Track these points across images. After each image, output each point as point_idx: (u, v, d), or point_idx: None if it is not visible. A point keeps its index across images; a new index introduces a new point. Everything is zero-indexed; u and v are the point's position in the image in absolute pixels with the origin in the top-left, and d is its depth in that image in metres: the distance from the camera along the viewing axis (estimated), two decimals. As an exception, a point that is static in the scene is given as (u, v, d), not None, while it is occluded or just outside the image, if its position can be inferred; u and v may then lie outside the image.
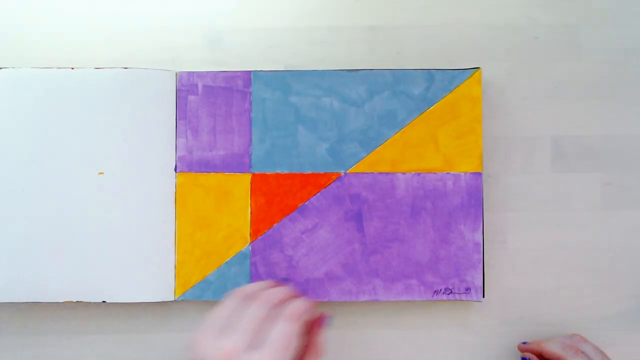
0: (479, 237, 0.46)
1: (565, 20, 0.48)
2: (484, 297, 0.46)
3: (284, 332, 0.37)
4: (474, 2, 0.48)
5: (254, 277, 0.46)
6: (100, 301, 0.45)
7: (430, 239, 0.46)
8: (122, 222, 0.45)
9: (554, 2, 0.48)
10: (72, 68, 0.45)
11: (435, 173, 0.46)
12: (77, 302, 0.45)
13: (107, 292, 0.45)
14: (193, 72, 0.46)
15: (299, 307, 0.38)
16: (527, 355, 0.46)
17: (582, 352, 0.43)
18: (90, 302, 0.46)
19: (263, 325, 0.37)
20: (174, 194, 0.46)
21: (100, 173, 0.45)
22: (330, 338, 0.47)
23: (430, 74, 0.46)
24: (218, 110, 0.46)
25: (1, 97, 0.45)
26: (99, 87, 0.45)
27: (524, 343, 0.46)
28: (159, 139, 0.46)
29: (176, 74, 0.47)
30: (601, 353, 0.43)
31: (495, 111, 0.48)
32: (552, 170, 0.48)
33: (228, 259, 0.46)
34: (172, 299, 0.46)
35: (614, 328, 0.47)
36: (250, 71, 0.46)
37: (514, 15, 0.48)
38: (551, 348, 0.44)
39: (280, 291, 0.39)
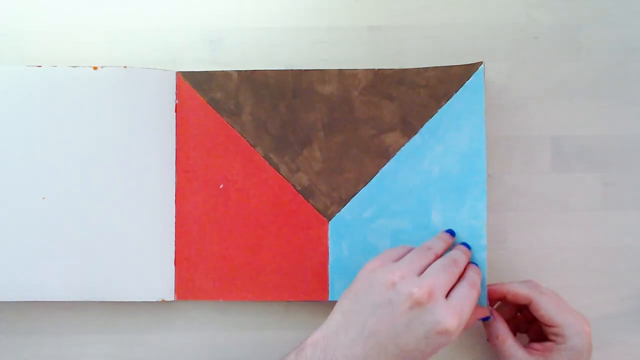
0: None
1: (565, 20, 0.48)
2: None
3: (472, 296, 0.38)
4: (474, 2, 0.48)
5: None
6: (100, 301, 0.45)
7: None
8: (122, 221, 0.45)
9: (554, 2, 0.48)
10: (72, 67, 0.45)
11: None
12: (77, 302, 0.45)
13: (107, 291, 0.45)
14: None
15: (477, 279, 0.40)
16: (488, 313, 0.43)
17: (545, 294, 0.42)
18: (90, 302, 0.46)
19: (453, 282, 0.38)
20: (174, 194, 0.46)
21: (99, 172, 0.45)
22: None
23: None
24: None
25: (0, 97, 0.45)
26: (98, 86, 0.45)
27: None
28: (158, 139, 0.46)
29: (176, 74, 0.47)
30: (558, 296, 0.43)
31: (495, 111, 0.48)
32: (552, 170, 0.48)
33: (228, 259, 0.46)
34: (172, 299, 0.46)
35: (614, 328, 0.47)
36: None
37: (514, 15, 0.48)
38: (517, 288, 0.42)
39: (464, 257, 0.41)
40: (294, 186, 0.47)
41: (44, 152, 0.45)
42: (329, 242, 0.46)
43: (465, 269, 0.41)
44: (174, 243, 0.46)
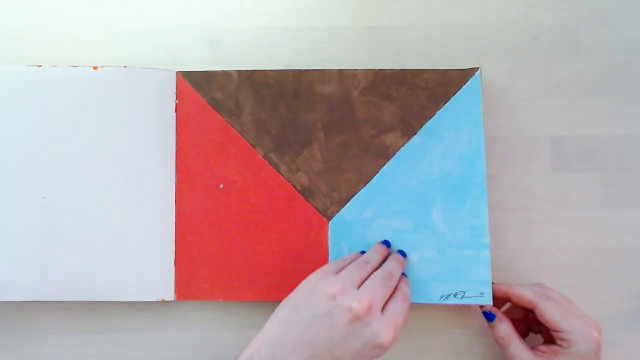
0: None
1: (565, 20, 0.48)
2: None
3: (404, 309, 0.40)
4: (474, 2, 0.48)
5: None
6: (100, 301, 0.45)
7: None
8: (122, 221, 0.45)
9: (554, 2, 0.48)
10: (72, 67, 0.45)
11: None
12: (77, 302, 0.45)
13: (107, 291, 0.45)
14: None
15: (408, 291, 0.42)
16: (488, 309, 0.44)
17: (551, 299, 0.42)
18: (90, 302, 0.46)
19: (388, 296, 0.40)
20: (174, 194, 0.46)
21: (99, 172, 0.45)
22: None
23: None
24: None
25: (0, 96, 0.45)
26: (98, 86, 0.45)
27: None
28: (158, 139, 0.46)
29: (176, 74, 0.47)
30: (567, 300, 0.43)
31: (495, 111, 0.48)
32: (552, 170, 0.48)
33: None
34: (172, 299, 0.46)
35: (614, 328, 0.47)
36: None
37: (514, 15, 0.48)
38: (522, 292, 0.43)
39: (399, 269, 0.42)
40: (294, 186, 0.47)
41: (44, 152, 0.45)
42: (329, 242, 0.46)
43: (398, 281, 0.42)
44: (174, 243, 0.46)
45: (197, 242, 0.46)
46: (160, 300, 0.45)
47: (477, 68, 0.46)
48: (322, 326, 0.37)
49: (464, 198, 0.45)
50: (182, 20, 0.48)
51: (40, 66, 0.45)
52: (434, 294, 0.45)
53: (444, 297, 0.45)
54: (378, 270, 0.41)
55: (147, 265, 0.45)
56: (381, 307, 0.39)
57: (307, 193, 0.47)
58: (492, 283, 0.45)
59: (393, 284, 0.41)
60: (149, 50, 0.48)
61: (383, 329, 0.37)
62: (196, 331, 0.47)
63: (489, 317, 0.44)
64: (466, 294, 0.45)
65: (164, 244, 0.46)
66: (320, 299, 0.38)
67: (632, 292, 0.48)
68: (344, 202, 0.47)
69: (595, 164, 0.48)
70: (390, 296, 0.40)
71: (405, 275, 0.44)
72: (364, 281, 0.40)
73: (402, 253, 0.45)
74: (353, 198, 0.47)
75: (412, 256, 0.46)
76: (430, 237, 0.46)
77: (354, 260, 0.43)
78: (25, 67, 0.45)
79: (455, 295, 0.45)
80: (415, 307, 0.47)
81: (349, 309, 0.37)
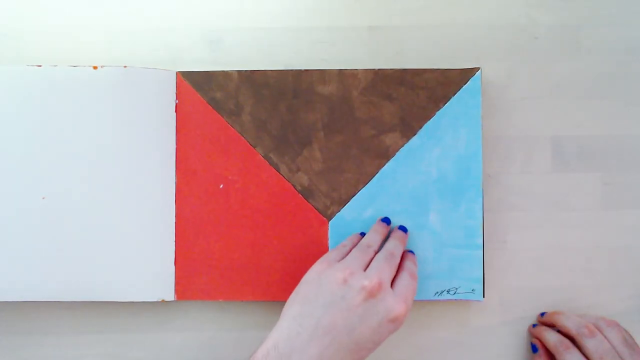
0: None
1: (565, 20, 0.48)
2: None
3: (412, 284, 0.41)
4: (474, 2, 0.48)
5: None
6: (100, 301, 0.45)
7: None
8: (121, 221, 0.45)
9: (554, 2, 0.48)
10: (72, 67, 0.45)
11: None
12: (77, 302, 0.45)
13: (107, 291, 0.45)
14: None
15: (414, 268, 0.43)
16: (535, 341, 0.46)
17: (602, 336, 0.42)
18: (90, 302, 0.46)
19: (393, 274, 0.41)
20: (174, 194, 0.46)
21: (99, 172, 0.45)
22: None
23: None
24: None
25: (0, 96, 0.45)
26: (98, 86, 0.45)
27: (542, 314, 0.46)
28: (158, 139, 0.46)
29: (176, 74, 0.47)
30: (629, 345, 0.42)
31: (495, 111, 0.48)
32: (552, 170, 0.48)
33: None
34: (172, 299, 0.46)
35: (614, 328, 0.47)
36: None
37: (514, 15, 0.48)
38: (565, 323, 0.44)
39: (400, 247, 0.43)
40: (294, 186, 0.47)
41: (43, 152, 0.45)
42: (329, 242, 0.46)
43: (403, 258, 0.43)
44: (174, 243, 0.46)
45: (197, 242, 0.46)
46: (160, 300, 0.45)
47: (478, 68, 0.46)
48: (338, 311, 0.38)
49: (460, 199, 0.46)
50: (182, 20, 0.48)
51: (40, 66, 0.45)
52: (429, 291, 0.46)
53: (438, 294, 0.46)
54: (380, 251, 0.42)
55: (147, 265, 0.45)
56: (389, 283, 0.40)
57: (307, 193, 0.47)
58: (542, 315, 0.47)
59: (396, 262, 0.42)
60: (149, 50, 0.48)
61: (396, 302, 0.39)
62: (196, 331, 0.47)
63: (533, 348, 0.46)
64: (458, 290, 0.46)
65: (164, 244, 0.46)
66: (331, 285, 0.39)
67: (632, 292, 0.48)
68: (344, 202, 0.47)
69: (595, 164, 0.48)
70: (397, 274, 0.41)
71: (412, 252, 0.45)
72: (368, 264, 0.41)
73: (403, 229, 0.45)
74: (353, 198, 0.47)
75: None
76: (427, 237, 0.46)
77: (354, 244, 0.43)
78: (25, 67, 0.45)
79: (448, 291, 0.46)
80: (415, 307, 0.47)
81: (362, 288, 0.38)
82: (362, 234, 0.45)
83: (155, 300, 0.45)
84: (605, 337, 0.43)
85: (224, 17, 0.48)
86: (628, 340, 0.43)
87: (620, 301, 0.48)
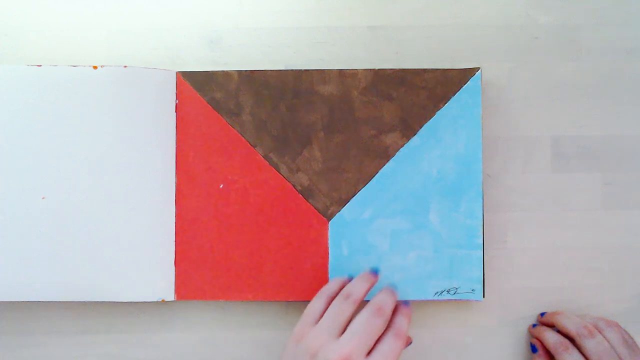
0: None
1: (565, 20, 0.48)
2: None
3: (395, 349, 0.38)
4: (474, 2, 0.48)
5: (254, 277, 0.46)
6: (100, 301, 0.45)
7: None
8: (121, 221, 0.45)
9: (554, 2, 0.48)
10: (72, 66, 0.45)
11: None
12: (77, 302, 0.45)
13: (107, 292, 0.45)
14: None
15: (405, 325, 0.40)
16: (534, 341, 0.46)
17: (602, 336, 0.42)
18: (90, 302, 0.46)
19: (377, 335, 0.38)
20: (174, 194, 0.46)
21: (98, 173, 0.45)
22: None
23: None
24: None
25: (0, 96, 0.45)
26: (98, 86, 0.45)
27: (542, 314, 0.46)
28: (158, 139, 0.46)
29: (176, 74, 0.47)
30: (629, 346, 0.42)
31: (495, 111, 0.48)
32: (552, 170, 0.48)
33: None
34: (172, 299, 0.46)
35: (614, 328, 0.47)
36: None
37: (514, 15, 0.48)
38: (564, 323, 0.44)
39: (390, 301, 0.40)
40: (294, 186, 0.47)
41: (43, 152, 0.45)
42: (329, 242, 0.46)
43: (395, 312, 0.41)
44: (174, 243, 0.46)
45: (197, 242, 0.46)
46: (160, 300, 0.45)
47: (478, 68, 0.46)
48: None
49: (460, 199, 0.46)
50: (182, 20, 0.48)
51: (40, 66, 0.45)
52: (429, 291, 0.46)
53: (438, 294, 0.46)
54: (367, 305, 0.40)
55: (147, 265, 0.45)
56: (364, 353, 0.38)
57: (307, 193, 0.47)
58: (542, 315, 0.47)
59: (382, 321, 0.39)
60: (149, 50, 0.48)
61: None
62: (196, 331, 0.47)
63: (532, 348, 0.46)
64: (458, 290, 0.45)
65: (164, 244, 0.46)
66: (304, 357, 0.38)
67: (632, 292, 0.48)
68: (344, 202, 0.47)
69: (595, 164, 0.48)
70: (384, 333, 0.39)
71: (407, 304, 0.42)
72: (349, 319, 0.39)
73: (393, 286, 0.43)
74: (353, 198, 0.47)
75: (410, 255, 0.46)
76: (427, 237, 0.46)
77: (335, 293, 0.42)
78: (25, 67, 0.45)
79: (448, 291, 0.45)
80: (415, 307, 0.47)
81: None
82: (350, 278, 0.43)
83: (155, 300, 0.45)
84: (605, 337, 0.42)
85: (224, 17, 0.48)
86: (628, 341, 0.43)
87: (620, 301, 0.48)
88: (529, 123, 0.48)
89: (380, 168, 0.46)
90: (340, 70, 0.46)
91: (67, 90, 0.45)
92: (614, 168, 0.48)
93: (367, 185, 0.47)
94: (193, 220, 0.46)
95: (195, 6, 0.48)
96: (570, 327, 0.44)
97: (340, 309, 0.40)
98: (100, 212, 0.45)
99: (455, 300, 0.46)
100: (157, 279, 0.46)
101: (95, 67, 0.45)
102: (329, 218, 0.47)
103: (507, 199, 0.48)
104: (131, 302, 0.46)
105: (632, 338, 0.43)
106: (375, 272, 0.43)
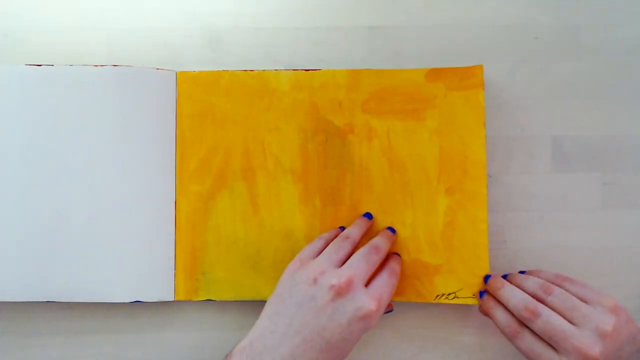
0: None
1: (565, 20, 0.48)
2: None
3: (390, 283, 0.41)
4: (474, 2, 0.48)
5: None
6: (100, 301, 0.45)
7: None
8: (121, 222, 0.45)
9: (554, 2, 0.49)
10: (72, 66, 0.45)
11: None
12: (77, 302, 0.45)
13: (106, 292, 0.45)
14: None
15: (398, 267, 0.43)
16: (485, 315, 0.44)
17: (547, 312, 0.40)
18: (90, 302, 0.46)
19: (373, 270, 0.41)
20: (174, 194, 0.46)
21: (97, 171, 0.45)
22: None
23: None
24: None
25: (0, 96, 0.45)
26: (98, 85, 0.45)
27: (487, 279, 0.44)
28: (158, 139, 0.46)
29: (176, 74, 0.47)
30: (576, 307, 0.40)
31: (495, 111, 0.48)
32: (552, 170, 0.48)
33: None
34: (172, 299, 0.46)
35: (614, 328, 0.47)
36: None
37: (514, 15, 0.48)
38: (507, 304, 0.42)
39: (385, 243, 0.43)
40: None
41: (43, 152, 0.45)
42: None
43: (387, 258, 0.43)
44: (174, 243, 0.46)
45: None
46: (160, 300, 0.45)
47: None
48: (308, 311, 0.38)
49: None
50: (182, 20, 0.48)
51: (40, 66, 0.45)
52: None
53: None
54: (364, 245, 0.42)
55: (147, 265, 0.45)
56: (364, 281, 0.40)
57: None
58: (489, 276, 0.45)
59: (378, 258, 0.41)
60: (149, 50, 0.48)
61: (366, 300, 0.38)
62: (196, 331, 0.47)
63: (480, 294, 0.45)
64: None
65: (164, 244, 0.46)
66: (302, 285, 0.39)
67: (632, 292, 0.48)
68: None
69: (595, 164, 0.48)
70: (378, 272, 0.41)
71: (398, 255, 0.45)
72: (347, 258, 0.41)
73: (391, 229, 0.45)
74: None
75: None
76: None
77: (330, 238, 0.43)
78: (25, 66, 0.45)
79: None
80: (414, 307, 0.47)
81: (330, 287, 0.38)
82: (342, 229, 0.45)
83: (155, 300, 0.45)
84: (552, 307, 0.40)
85: (224, 17, 0.48)
86: (585, 295, 0.41)
87: (620, 301, 0.47)
88: (529, 123, 0.48)
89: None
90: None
91: (67, 90, 0.45)
92: (614, 168, 0.48)
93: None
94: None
95: (195, 6, 0.48)
96: (513, 308, 0.41)
97: (340, 245, 0.42)
98: (100, 212, 0.45)
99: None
100: (157, 279, 0.46)
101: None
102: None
103: (507, 199, 0.48)
104: (131, 302, 0.46)
105: (589, 287, 0.41)
106: (369, 217, 0.45)
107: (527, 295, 0.42)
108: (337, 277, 0.39)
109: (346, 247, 0.42)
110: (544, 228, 0.48)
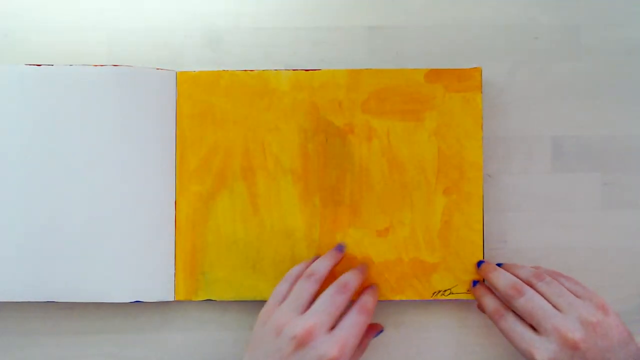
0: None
1: (565, 20, 0.48)
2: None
3: (358, 323, 0.39)
4: (474, 2, 0.48)
5: (254, 277, 0.46)
6: (100, 301, 0.45)
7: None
8: (121, 221, 0.45)
9: (554, 2, 0.48)
10: (72, 66, 0.45)
11: None
12: (77, 302, 0.45)
13: (106, 292, 0.45)
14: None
15: (370, 301, 0.41)
16: (478, 307, 0.45)
17: (532, 292, 0.41)
18: (90, 302, 0.46)
19: (340, 311, 0.40)
20: (174, 194, 0.46)
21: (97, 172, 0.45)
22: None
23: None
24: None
25: (0, 96, 0.45)
26: (98, 85, 0.45)
27: (480, 264, 0.45)
28: (158, 139, 0.46)
29: (176, 74, 0.47)
30: (565, 297, 0.40)
31: (495, 111, 0.48)
32: (552, 170, 0.48)
33: (228, 259, 0.46)
34: (172, 299, 0.46)
35: (614, 328, 0.47)
36: None
37: (514, 15, 0.48)
38: (495, 283, 0.42)
39: (355, 279, 0.42)
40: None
41: (43, 152, 0.45)
42: None
43: (363, 292, 0.42)
44: (174, 243, 0.46)
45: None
46: (160, 300, 0.45)
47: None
48: None
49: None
50: (182, 20, 0.48)
51: (39, 66, 0.45)
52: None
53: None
54: (332, 284, 0.41)
55: (147, 265, 0.45)
56: (328, 326, 0.38)
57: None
58: (482, 262, 0.45)
59: (345, 297, 0.40)
60: (149, 50, 0.48)
61: (328, 347, 0.37)
62: (196, 331, 0.47)
63: (473, 283, 0.45)
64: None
65: (164, 244, 0.46)
66: (269, 336, 0.39)
67: (632, 292, 0.48)
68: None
69: (595, 164, 0.48)
70: (348, 309, 0.40)
71: (374, 286, 0.44)
72: (313, 298, 0.40)
73: (363, 265, 0.44)
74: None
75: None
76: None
77: (299, 273, 0.42)
78: (25, 66, 0.45)
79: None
80: (414, 307, 0.47)
81: (291, 338, 0.38)
82: (317, 258, 0.44)
83: (155, 300, 0.45)
84: (538, 291, 0.41)
85: (224, 17, 0.48)
86: (575, 290, 0.41)
87: (620, 301, 0.48)
88: (529, 123, 0.48)
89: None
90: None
91: (67, 90, 0.45)
92: (614, 168, 0.48)
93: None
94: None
95: (195, 6, 0.48)
96: (500, 288, 0.42)
97: (303, 287, 0.41)
98: (99, 212, 0.45)
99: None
100: (157, 279, 0.46)
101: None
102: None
103: (507, 199, 0.48)
104: (131, 302, 0.46)
105: (581, 285, 0.42)
106: (340, 249, 0.44)
107: (517, 278, 0.42)
108: (300, 326, 0.38)
109: (310, 288, 0.41)
110: (544, 228, 0.48)
